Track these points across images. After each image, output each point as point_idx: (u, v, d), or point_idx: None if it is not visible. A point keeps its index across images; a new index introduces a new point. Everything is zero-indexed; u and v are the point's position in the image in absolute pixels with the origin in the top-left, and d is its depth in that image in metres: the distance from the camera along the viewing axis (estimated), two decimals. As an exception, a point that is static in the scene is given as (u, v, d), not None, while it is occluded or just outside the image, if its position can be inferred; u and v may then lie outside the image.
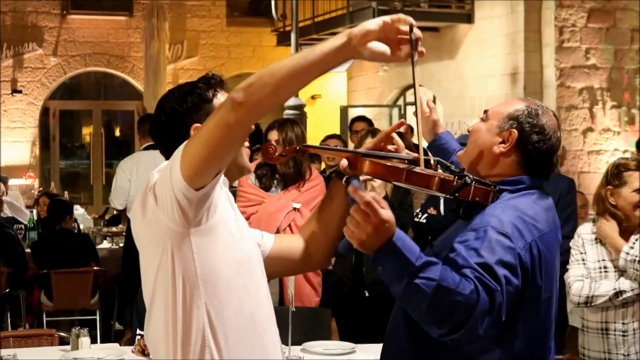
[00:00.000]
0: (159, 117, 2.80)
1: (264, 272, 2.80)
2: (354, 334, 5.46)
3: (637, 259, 4.61)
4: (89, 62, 17.39)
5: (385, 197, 5.47)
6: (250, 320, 2.65)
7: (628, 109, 12.94)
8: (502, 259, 2.58)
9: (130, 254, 7.73)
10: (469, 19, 13.82)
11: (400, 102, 16.56)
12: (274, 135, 5.81)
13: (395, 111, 15.73)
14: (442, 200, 5.92)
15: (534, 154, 2.88)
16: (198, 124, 2.68)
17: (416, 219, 5.96)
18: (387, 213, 2.39)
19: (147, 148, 8.04)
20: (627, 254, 4.64)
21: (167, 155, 2.75)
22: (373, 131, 5.80)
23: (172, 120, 2.77)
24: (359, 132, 7.27)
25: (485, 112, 2.98)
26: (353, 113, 16.58)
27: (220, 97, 2.77)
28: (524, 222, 2.71)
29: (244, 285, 2.66)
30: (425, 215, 5.92)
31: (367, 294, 5.72)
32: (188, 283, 2.58)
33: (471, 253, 2.58)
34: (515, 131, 2.85)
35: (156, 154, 8.56)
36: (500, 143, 2.87)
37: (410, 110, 16.52)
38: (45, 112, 17.46)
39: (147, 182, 2.68)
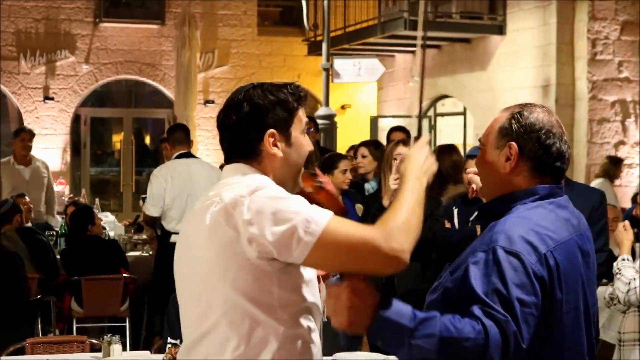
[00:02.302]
0: (238, 107, 2.68)
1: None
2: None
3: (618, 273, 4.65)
4: (120, 70, 17.48)
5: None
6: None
7: (660, 123, 12.86)
8: (513, 281, 2.52)
9: (162, 262, 7.76)
10: (501, 30, 13.79)
11: (431, 112, 16.52)
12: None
13: (426, 122, 15.69)
14: (455, 213, 5.89)
15: (539, 152, 2.76)
16: (274, 130, 2.65)
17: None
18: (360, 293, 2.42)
19: (179, 157, 8.06)
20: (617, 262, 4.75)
21: (230, 150, 2.71)
22: (404, 141, 5.80)
23: (250, 117, 2.67)
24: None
25: (480, 141, 2.90)
26: (383, 123, 16.58)
27: (301, 114, 2.72)
28: (536, 233, 2.63)
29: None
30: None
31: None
32: (265, 311, 2.54)
33: (480, 281, 2.54)
34: (513, 143, 2.75)
35: (190, 162, 8.54)
36: (506, 161, 2.78)
37: (440, 121, 16.49)
38: (76, 119, 17.55)
39: (207, 205, 2.57)
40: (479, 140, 2.91)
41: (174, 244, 8.07)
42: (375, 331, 2.44)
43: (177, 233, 7.67)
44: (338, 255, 2.45)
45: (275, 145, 2.67)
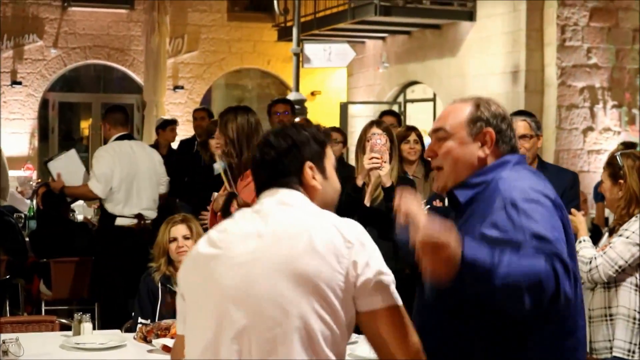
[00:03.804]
0: (276, 143, 2.73)
1: None
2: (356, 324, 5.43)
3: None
4: (89, 55, 17.36)
5: (391, 187, 5.45)
6: None
7: (629, 109, 12.94)
8: (548, 223, 2.62)
9: (106, 244, 7.73)
10: (471, 16, 13.81)
11: (400, 99, 16.54)
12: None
13: (395, 108, 15.70)
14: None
15: (507, 137, 2.96)
16: (312, 163, 2.70)
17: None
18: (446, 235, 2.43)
19: (120, 138, 7.96)
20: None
21: (270, 182, 2.72)
22: (378, 122, 5.82)
23: (288, 150, 2.71)
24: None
25: (437, 130, 3.00)
26: (353, 110, 16.58)
27: (329, 150, 2.79)
28: (538, 185, 2.78)
29: None
30: (429, 206, 5.90)
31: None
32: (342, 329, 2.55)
33: (513, 232, 2.59)
34: (490, 129, 2.92)
35: (132, 144, 8.48)
36: (482, 146, 2.93)
37: (409, 107, 16.52)
38: (44, 104, 17.41)
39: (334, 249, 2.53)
40: (437, 130, 3.00)
41: (119, 227, 7.99)
42: (464, 273, 2.44)
43: (123, 216, 7.68)
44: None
45: (314, 178, 2.71)
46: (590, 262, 4.78)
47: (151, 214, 7.90)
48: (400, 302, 2.55)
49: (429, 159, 3.07)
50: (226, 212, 5.22)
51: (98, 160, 7.86)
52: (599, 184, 6.06)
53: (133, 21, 17.38)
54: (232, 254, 2.56)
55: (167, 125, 10.64)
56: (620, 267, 4.77)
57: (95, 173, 7.79)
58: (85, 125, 18.65)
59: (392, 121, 7.81)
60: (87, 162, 17.74)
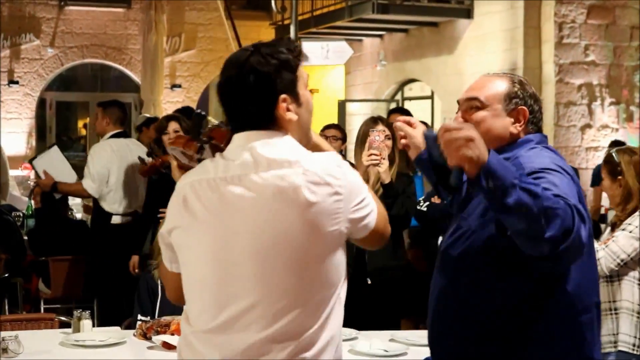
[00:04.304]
0: (243, 80, 2.58)
1: None
2: (356, 321, 5.43)
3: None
4: (86, 54, 17.34)
5: (390, 184, 5.45)
6: None
7: (627, 106, 12.94)
8: (567, 188, 2.64)
9: (104, 244, 7.71)
10: (468, 14, 13.81)
11: (398, 96, 16.54)
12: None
13: (393, 106, 15.70)
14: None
15: (536, 119, 3.05)
16: (285, 95, 2.58)
17: (418, 207, 5.94)
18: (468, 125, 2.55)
19: (117, 135, 7.92)
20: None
21: (242, 121, 2.61)
22: (381, 118, 5.85)
23: (258, 87, 2.57)
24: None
25: (474, 99, 3.03)
26: (350, 108, 16.57)
27: (301, 69, 2.65)
28: (558, 161, 2.83)
29: None
30: (427, 203, 5.90)
31: (369, 282, 5.70)
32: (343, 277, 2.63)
33: (538, 188, 2.55)
34: (524, 108, 3.00)
35: (129, 142, 8.39)
36: (514, 123, 3.00)
37: (407, 105, 16.51)
38: (41, 103, 17.41)
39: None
40: (471, 99, 3.04)
41: (116, 225, 7.93)
42: (492, 167, 2.44)
43: (120, 214, 7.66)
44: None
45: (289, 110, 2.60)
46: None
47: None
48: (375, 208, 2.63)
49: None
50: (196, 132, 5.22)
51: (95, 158, 7.82)
52: (599, 168, 6.07)
53: (130, 20, 17.37)
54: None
55: (151, 123, 10.51)
56: (622, 260, 4.79)
57: (91, 171, 7.76)
58: (82, 124, 18.64)
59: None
60: (84, 162, 17.77)
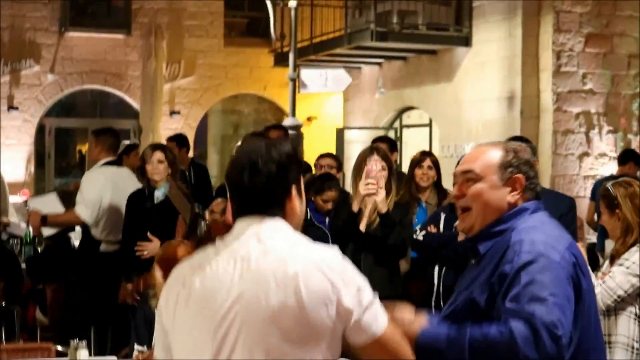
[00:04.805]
0: (264, 167, 2.62)
1: None
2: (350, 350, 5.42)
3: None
4: (85, 80, 17.39)
5: (387, 213, 5.46)
6: None
7: (624, 135, 12.97)
8: (542, 279, 2.75)
9: (91, 268, 7.69)
10: (466, 42, 13.86)
11: (397, 124, 16.57)
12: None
13: (391, 133, 15.74)
14: (442, 219, 5.92)
15: (533, 184, 3.07)
16: (295, 185, 2.67)
17: (414, 236, 5.95)
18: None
19: (109, 163, 7.91)
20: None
21: (263, 208, 2.63)
22: (378, 148, 5.85)
23: (276, 176, 2.62)
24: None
25: (469, 171, 3.07)
26: (349, 135, 16.59)
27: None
28: (550, 235, 2.91)
29: None
30: (424, 232, 5.91)
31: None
32: None
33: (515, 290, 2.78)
34: (520, 176, 3.03)
35: (120, 171, 8.38)
36: (511, 192, 3.03)
37: (405, 132, 16.55)
38: (40, 129, 17.43)
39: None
40: (466, 172, 3.08)
41: (105, 254, 7.94)
42: (418, 355, 2.68)
43: (109, 242, 7.64)
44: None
45: (296, 201, 2.68)
46: None
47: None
48: (386, 322, 2.56)
49: (455, 200, 3.14)
50: (192, 230, 5.24)
51: (88, 185, 7.81)
52: (600, 182, 6.08)
53: (130, 46, 17.42)
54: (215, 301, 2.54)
55: (131, 151, 10.44)
56: (619, 297, 4.80)
57: (85, 198, 7.74)
58: (77, 150, 18.65)
59: (385, 147, 7.81)
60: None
